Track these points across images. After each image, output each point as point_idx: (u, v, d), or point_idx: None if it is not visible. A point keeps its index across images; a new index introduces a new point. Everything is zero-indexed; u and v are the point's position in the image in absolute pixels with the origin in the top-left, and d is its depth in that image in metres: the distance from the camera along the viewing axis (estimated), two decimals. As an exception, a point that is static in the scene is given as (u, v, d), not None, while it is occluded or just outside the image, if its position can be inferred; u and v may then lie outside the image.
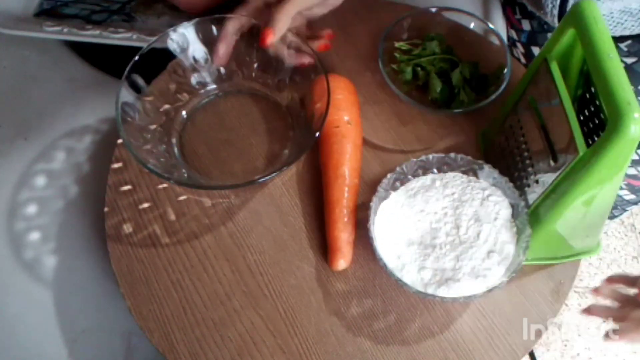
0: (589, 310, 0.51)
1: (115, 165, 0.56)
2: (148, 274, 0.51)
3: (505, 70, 0.57)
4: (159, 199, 0.55)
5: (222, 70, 0.59)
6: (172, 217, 0.54)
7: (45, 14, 0.69)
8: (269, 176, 0.49)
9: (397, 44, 0.61)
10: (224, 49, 0.56)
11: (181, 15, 0.69)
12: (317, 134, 0.50)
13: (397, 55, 0.61)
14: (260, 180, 0.49)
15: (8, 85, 0.65)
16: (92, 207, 0.56)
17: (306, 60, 0.55)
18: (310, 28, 0.60)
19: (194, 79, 0.59)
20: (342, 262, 0.50)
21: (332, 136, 0.54)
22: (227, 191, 0.55)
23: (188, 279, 0.51)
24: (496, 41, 0.60)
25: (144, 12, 0.71)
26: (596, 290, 0.51)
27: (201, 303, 0.50)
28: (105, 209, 0.54)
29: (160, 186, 0.55)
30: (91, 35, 0.64)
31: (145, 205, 0.54)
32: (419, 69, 0.60)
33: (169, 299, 0.50)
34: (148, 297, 0.50)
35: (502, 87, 0.56)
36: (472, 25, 0.62)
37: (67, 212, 0.58)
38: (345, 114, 0.55)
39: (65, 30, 0.65)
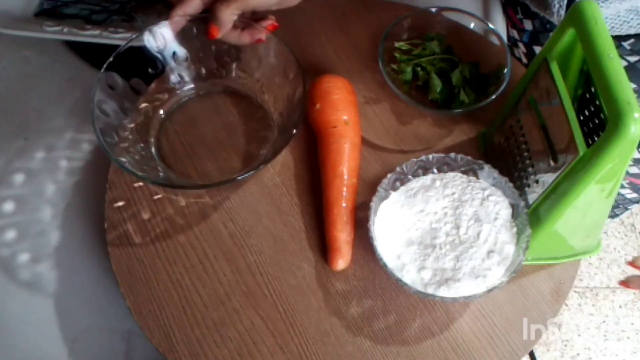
0: (626, 283, 0.50)
1: (113, 176, 0.56)
2: (148, 274, 0.51)
3: (505, 70, 0.57)
4: (158, 200, 0.55)
5: (201, 69, 0.59)
6: (173, 217, 0.54)
7: (45, 14, 0.69)
8: (248, 174, 0.49)
9: (397, 44, 0.61)
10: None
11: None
12: (294, 130, 0.50)
13: (397, 55, 0.61)
14: (240, 178, 0.49)
15: (8, 85, 0.65)
16: (92, 208, 0.56)
17: (262, 35, 0.53)
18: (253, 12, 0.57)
19: (172, 78, 0.59)
20: (341, 262, 0.50)
21: (330, 136, 0.54)
22: (226, 189, 0.55)
23: (188, 279, 0.51)
24: (496, 41, 0.60)
25: (144, 12, 0.71)
26: (632, 263, 0.50)
27: (201, 303, 0.50)
28: (106, 210, 0.54)
29: (158, 196, 0.55)
30: (91, 35, 0.64)
31: (146, 206, 0.54)
32: (419, 69, 0.60)
33: (169, 299, 0.50)
34: (148, 297, 0.50)
35: (502, 87, 0.56)
36: (472, 25, 0.62)
37: (67, 212, 0.58)
38: (343, 114, 0.55)
39: (65, 30, 0.65)
